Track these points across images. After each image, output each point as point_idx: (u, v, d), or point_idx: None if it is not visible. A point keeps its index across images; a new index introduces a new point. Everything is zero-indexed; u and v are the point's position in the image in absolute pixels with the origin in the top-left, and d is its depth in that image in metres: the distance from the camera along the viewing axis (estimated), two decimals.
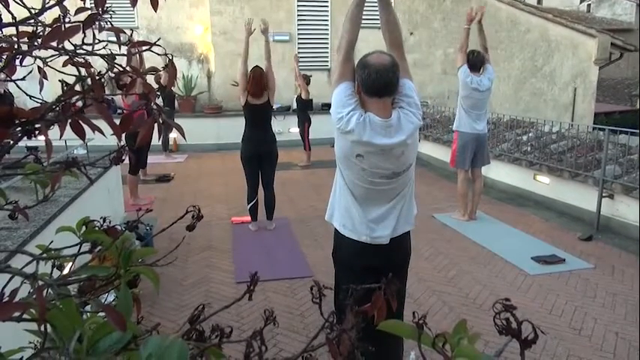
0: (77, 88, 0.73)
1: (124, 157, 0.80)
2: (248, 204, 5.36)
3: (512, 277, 4.17)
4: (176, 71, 0.74)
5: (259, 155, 5.20)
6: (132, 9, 10.61)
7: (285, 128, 8.82)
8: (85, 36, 0.75)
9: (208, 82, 11.09)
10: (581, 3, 21.82)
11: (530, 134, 6.90)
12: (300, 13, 11.03)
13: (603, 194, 5.21)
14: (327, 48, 11.29)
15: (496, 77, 12.71)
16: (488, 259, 4.58)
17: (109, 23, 0.69)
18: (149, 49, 0.72)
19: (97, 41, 0.69)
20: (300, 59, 11.19)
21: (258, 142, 5.19)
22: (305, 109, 8.71)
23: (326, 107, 11.04)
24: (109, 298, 3.74)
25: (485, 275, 4.22)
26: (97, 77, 0.66)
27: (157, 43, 0.71)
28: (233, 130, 10.49)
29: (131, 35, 0.74)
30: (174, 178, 7.87)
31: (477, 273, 4.27)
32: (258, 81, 4.97)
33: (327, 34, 11.24)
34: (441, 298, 3.80)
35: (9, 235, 2.80)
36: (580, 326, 3.39)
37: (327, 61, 11.32)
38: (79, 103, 0.76)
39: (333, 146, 2.27)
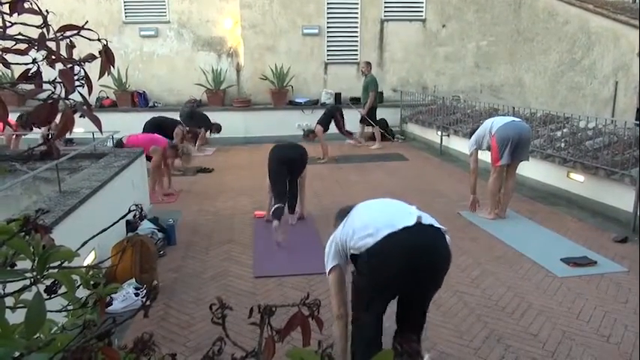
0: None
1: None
2: (273, 206, 5.02)
3: (538, 279, 4.01)
4: (113, 58, 0.69)
5: (289, 159, 5.21)
6: (164, 3, 10.78)
7: (313, 123, 8.79)
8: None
9: (237, 76, 11.15)
10: None
11: (564, 130, 6.62)
12: (329, 6, 10.94)
13: None
14: (356, 41, 11.16)
15: (531, 71, 12.24)
16: (514, 259, 4.42)
17: (34, 4, 0.65)
18: (77, 34, 0.67)
19: (9, 24, 0.65)
20: (329, 53, 11.14)
21: (290, 148, 5.37)
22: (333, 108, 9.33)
23: (354, 101, 10.93)
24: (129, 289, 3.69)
25: (510, 276, 4.07)
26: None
27: (84, 26, 0.66)
28: (261, 123, 10.55)
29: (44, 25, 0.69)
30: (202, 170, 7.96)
31: (502, 274, 4.12)
32: None
33: (357, 27, 11.10)
34: (462, 298, 3.69)
35: None
36: (609, 333, 3.22)
37: (357, 54, 11.19)
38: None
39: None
